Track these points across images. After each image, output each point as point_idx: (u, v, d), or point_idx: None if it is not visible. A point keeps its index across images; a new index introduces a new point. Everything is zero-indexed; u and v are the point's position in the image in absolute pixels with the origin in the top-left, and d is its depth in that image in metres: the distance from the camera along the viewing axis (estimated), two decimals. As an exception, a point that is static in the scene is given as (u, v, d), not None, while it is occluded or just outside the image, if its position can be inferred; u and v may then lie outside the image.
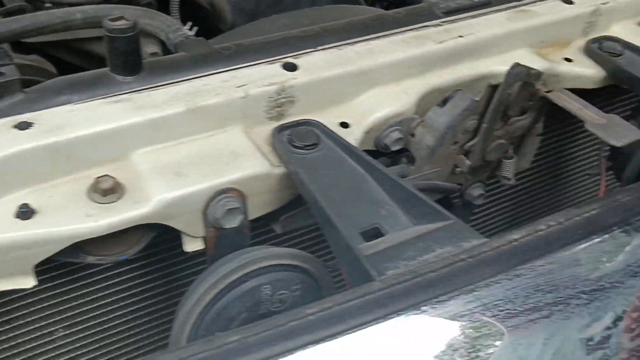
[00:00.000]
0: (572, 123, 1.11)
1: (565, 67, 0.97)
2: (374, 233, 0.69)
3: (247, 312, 0.70)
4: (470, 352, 0.55)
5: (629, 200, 0.66)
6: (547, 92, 0.91)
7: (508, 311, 0.56)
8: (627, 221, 0.65)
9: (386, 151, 0.86)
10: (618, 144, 0.79)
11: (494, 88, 0.83)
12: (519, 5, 1.01)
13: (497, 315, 0.55)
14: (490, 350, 0.55)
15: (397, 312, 0.53)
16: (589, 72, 0.98)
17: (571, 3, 1.02)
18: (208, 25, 1.30)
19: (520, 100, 0.87)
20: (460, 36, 0.92)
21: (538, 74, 0.87)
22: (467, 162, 0.89)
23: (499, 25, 0.95)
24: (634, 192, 0.67)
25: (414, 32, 0.92)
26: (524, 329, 0.57)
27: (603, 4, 1.03)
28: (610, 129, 0.81)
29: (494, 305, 0.56)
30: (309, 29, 0.92)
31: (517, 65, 0.82)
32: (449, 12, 0.99)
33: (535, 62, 0.95)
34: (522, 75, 0.82)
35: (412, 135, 0.87)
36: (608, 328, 0.60)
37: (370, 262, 0.62)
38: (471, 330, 0.55)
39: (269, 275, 0.69)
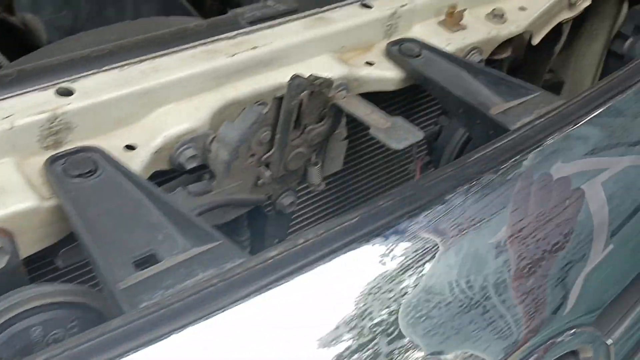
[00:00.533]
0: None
1: (366, 71, 1.00)
2: (150, 260, 0.68)
3: (19, 355, 0.66)
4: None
5: (389, 204, 0.68)
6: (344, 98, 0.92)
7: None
8: (387, 226, 0.67)
9: (183, 169, 0.85)
10: (398, 146, 0.82)
11: (280, 100, 0.84)
12: (322, 12, 1.02)
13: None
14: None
15: (132, 351, 0.52)
16: (389, 74, 1.01)
17: (369, 7, 1.04)
18: (26, 45, 1.24)
19: (314, 109, 0.88)
20: (255, 47, 0.92)
21: (328, 82, 0.88)
22: (268, 173, 0.89)
23: (295, 34, 0.96)
24: (394, 196, 0.69)
25: (206, 47, 0.90)
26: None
27: (401, 6, 1.06)
28: (393, 132, 0.84)
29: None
30: (98, 48, 0.88)
31: (295, 76, 0.83)
32: (255, 22, 0.99)
33: (335, 68, 0.97)
34: (304, 86, 0.83)
35: (209, 151, 0.86)
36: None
37: (124, 295, 0.60)
38: None
39: (37, 316, 0.66)
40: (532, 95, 0.94)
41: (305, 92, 0.84)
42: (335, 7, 1.03)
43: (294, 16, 1.00)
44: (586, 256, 0.82)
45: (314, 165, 0.94)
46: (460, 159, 0.76)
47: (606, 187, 0.85)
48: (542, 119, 0.85)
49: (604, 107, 0.92)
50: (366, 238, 0.65)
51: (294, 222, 1.07)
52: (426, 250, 0.67)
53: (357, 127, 1.04)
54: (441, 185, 0.72)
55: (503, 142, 0.79)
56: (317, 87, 0.85)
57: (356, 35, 1.02)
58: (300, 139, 0.90)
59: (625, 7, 1.51)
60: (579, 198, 0.82)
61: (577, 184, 0.82)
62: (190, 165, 0.85)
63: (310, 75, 0.86)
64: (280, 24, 0.98)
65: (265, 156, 0.88)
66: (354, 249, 0.64)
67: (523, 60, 1.46)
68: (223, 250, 0.65)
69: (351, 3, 1.04)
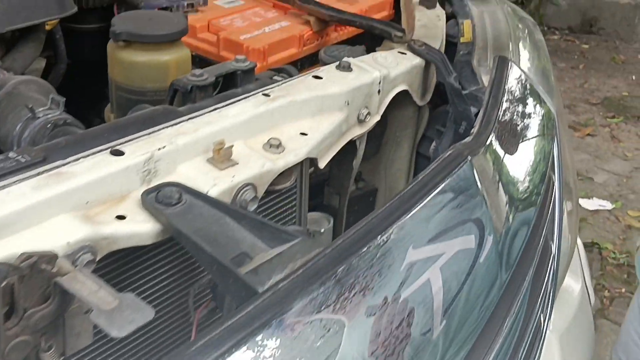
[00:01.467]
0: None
1: (115, 227, 0.89)
2: None
3: None
4: None
5: None
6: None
7: None
8: None
9: None
10: (119, 334, 0.71)
11: (-25, 291, 0.71)
12: (63, 165, 0.91)
13: None
14: None
15: None
16: (142, 228, 0.91)
17: (121, 154, 0.95)
18: None
19: (33, 291, 0.76)
20: (-38, 221, 0.79)
21: (48, 257, 0.76)
22: (-20, 372, 0.75)
23: (21, 197, 0.84)
24: None
25: None
26: None
27: (159, 149, 0.97)
28: (117, 314, 0.72)
29: None
30: None
31: (-11, 265, 0.71)
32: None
33: (76, 229, 0.86)
34: (5, 273, 0.71)
35: None
36: None
37: None
38: None
39: None
40: (291, 244, 0.86)
41: (12, 277, 0.72)
42: (80, 158, 0.93)
43: (26, 174, 0.88)
44: None
45: (46, 351, 0.80)
46: (183, 347, 0.66)
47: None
48: (290, 278, 0.78)
49: (369, 246, 0.87)
50: None
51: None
52: None
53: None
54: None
55: (234, 318, 0.70)
56: (27, 269, 0.73)
57: (103, 188, 0.91)
58: (19, 326, 0.76)
59: (426, 112, 1.54)
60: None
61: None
62: None
63: (22, 254, 0.74)
64: (5, 186, 0.86)
65: (-28, 355, 0.74)
66: None
67: (328, 176, 1.43)
68: None
69: (101, 151, 0.95)
